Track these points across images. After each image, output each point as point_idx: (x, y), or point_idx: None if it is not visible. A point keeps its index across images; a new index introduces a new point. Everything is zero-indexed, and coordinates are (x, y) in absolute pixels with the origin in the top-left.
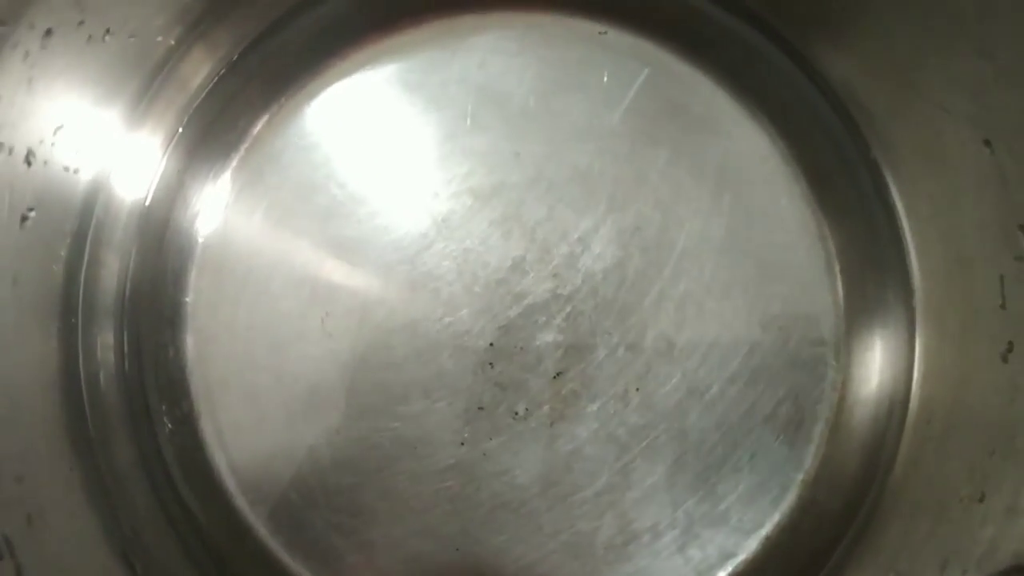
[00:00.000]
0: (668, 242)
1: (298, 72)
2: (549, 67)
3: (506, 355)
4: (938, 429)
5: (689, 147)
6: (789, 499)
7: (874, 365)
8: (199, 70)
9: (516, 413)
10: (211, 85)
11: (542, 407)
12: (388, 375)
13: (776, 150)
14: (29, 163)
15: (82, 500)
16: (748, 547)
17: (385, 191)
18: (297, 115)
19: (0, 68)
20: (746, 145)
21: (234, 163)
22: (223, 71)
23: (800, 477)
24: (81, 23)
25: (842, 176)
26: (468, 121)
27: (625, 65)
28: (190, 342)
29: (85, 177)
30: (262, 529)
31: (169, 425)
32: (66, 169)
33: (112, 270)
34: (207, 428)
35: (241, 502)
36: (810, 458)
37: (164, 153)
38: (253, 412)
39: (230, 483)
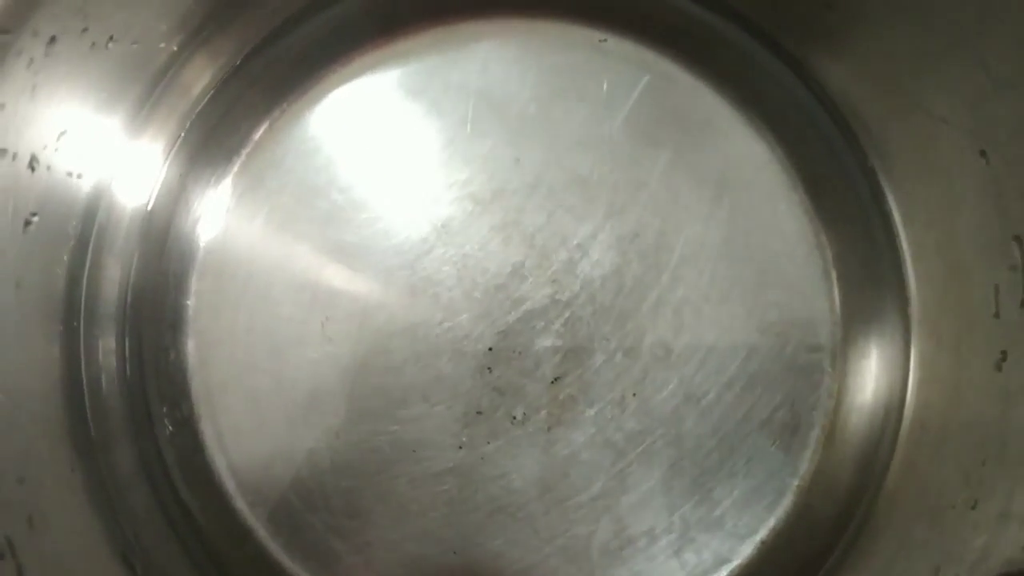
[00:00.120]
0: (666, 248)
1: (300, 78)
2: (549, 74)
3: (505, 360)
4: (932, 436)
5: (688, 154)
6: (785, 504)
7: (870, 372)
8: (201, 76)
9: (514, 417)
10: (213, 91)
11: (540, 412)
12: (387, 379)
13: (774, 158)
14: (32, 168)
15: (83, 501)
16: (743, 552)
17: (386, 196)
18: (298, 120)
19: (4, 75)
20: (744, 153)
21: (235, 168)
22: (225, 77)
23: (796, 483)
24: (85, 30)
25: (839, 184)
26: (468, 127)
27: (625, 72)
28: (191, 345)
29: (88, 182)
30: (261, 531)
31: (170, 428)
32: (69, 174)
33: (114, 274)
34: (207, 431)
35: (241, 504)
36: (806, 464)
37: (166, 158)
38: (253, 415)
39: (230, 485)
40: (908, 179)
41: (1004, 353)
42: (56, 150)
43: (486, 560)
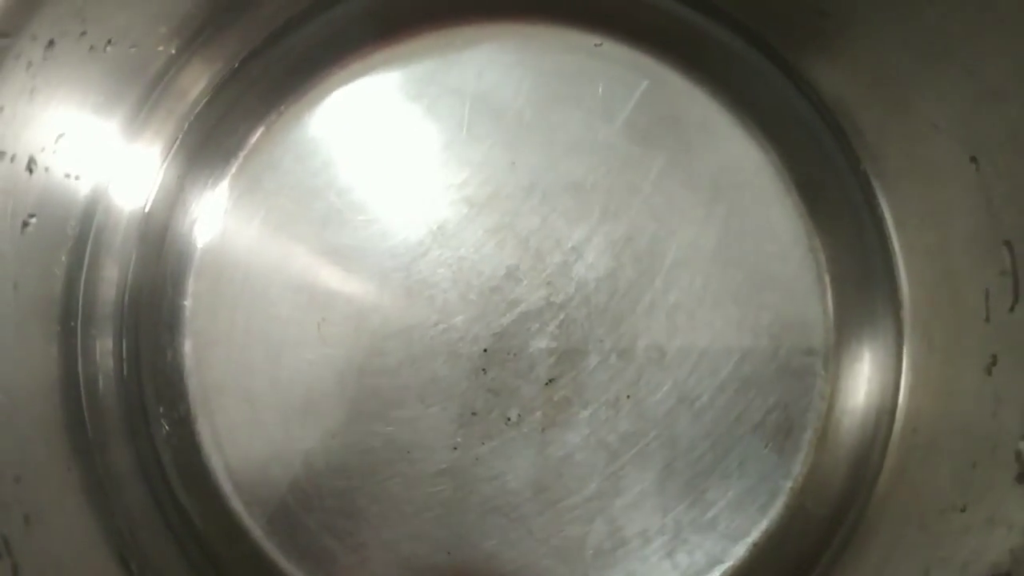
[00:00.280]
0: (660, 252)
1: (297, 81)
2: (545, 78)
3: (499, 361)
4: (923, 439)
5: (682, 158)
6: (777, 506)
7: (862, 375)
8: (199, 79)
9: (509, 419)
10: (211, 93)
11: (534, 413)
12: (383, 380)
13: (768, 162)
14: (31, 170)
15: (80, 501)
16: (736, 553)
17: (382, 199)
18: (296, 123)
19: (3, 78)
20: (739, 157)
21: (233, 170)
22: (223, 80)
23: (788, 485)
24: (83, 34)
25: (833, 188)
26: (465, 131)
27: (620, 77)
28: (188, 346)
29: (86, 184)
30: (257, 531)
31: (166, 428)
32: (67, 176)
33: (112, 275)
34: (204, 431)
35: (237, 504)
36: (798, 466)
37: (164, 160)
38: (249, 416)
39: (226, 485)
40: (901, 184)
41: (994, 357)
42: (54, 152)
43: (480, 560)
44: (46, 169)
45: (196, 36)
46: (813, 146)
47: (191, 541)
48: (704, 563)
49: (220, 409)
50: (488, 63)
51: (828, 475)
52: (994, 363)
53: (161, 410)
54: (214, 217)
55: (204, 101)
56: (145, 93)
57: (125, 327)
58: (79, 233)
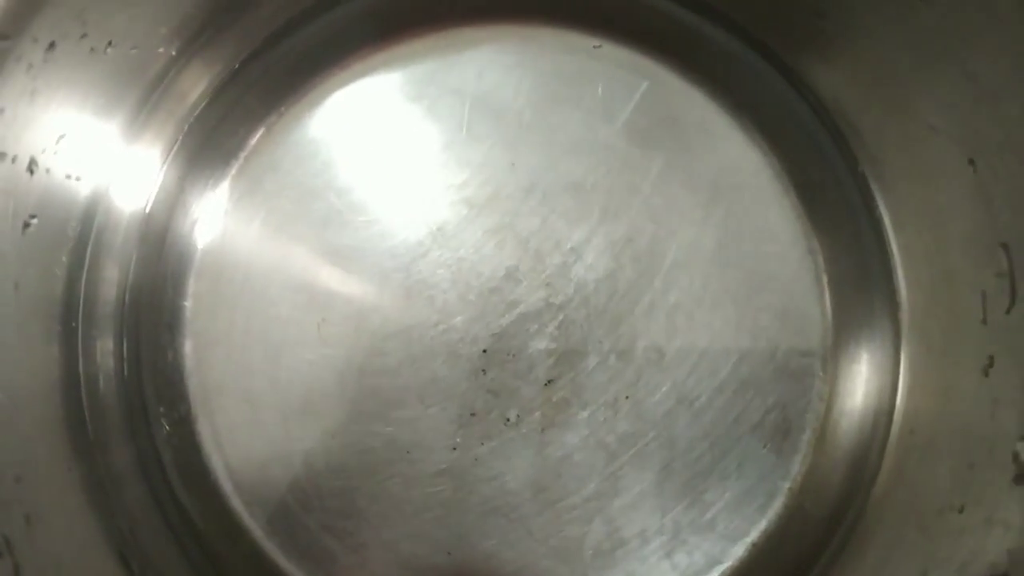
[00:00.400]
0: (659, 253)
1: (297, 82)
2: (545, 80)
3: (499, 362)
4: (921, 440)
5: (681, 160)
6: (776, 507)
7: (860, 377)
8: (199, 80)
9: (508, 419)
10: (211, 95)
11: (533, 414)
12: (383, 380)
13: (767, 164)
14: (31, 171)
15: (80, 501)
16: (735, 554)
17: (382, 200)
18: (296, 124)
19: (4, 80)
20: (737, 158)
21: (233, 171)
22: (223, 81)
23: (787, 485)
24: (84, 36)
25: (831, 190)
26: (465, 131)
27: (619, 78)
28: (188, 346)
29: (87, 184)
30: (257, 531)
31: (167, 427)
32: (68, 177)
33: (112, 276)
34: (204, 431)
35: (237, 504)
36: (797, 467)
37: (165, 161)
38: (249, 416)
39: (226, 485)
40: (898, 186)
41: (991, 358)
42: (55, 153)
43: (479, 560)
44: (47, 170)
45: (196, 37)
46: (811, 148)
47: (191, 541)
48: (703, 563)
49: (220, 409)
50: (488, 64)
51: (826, 476)
52: (991, 364)
53: (161, 410)
54: (214, 218)
55: (204, 102)
56: (145, 94)
57: (126, 327)
58: (80, 234)
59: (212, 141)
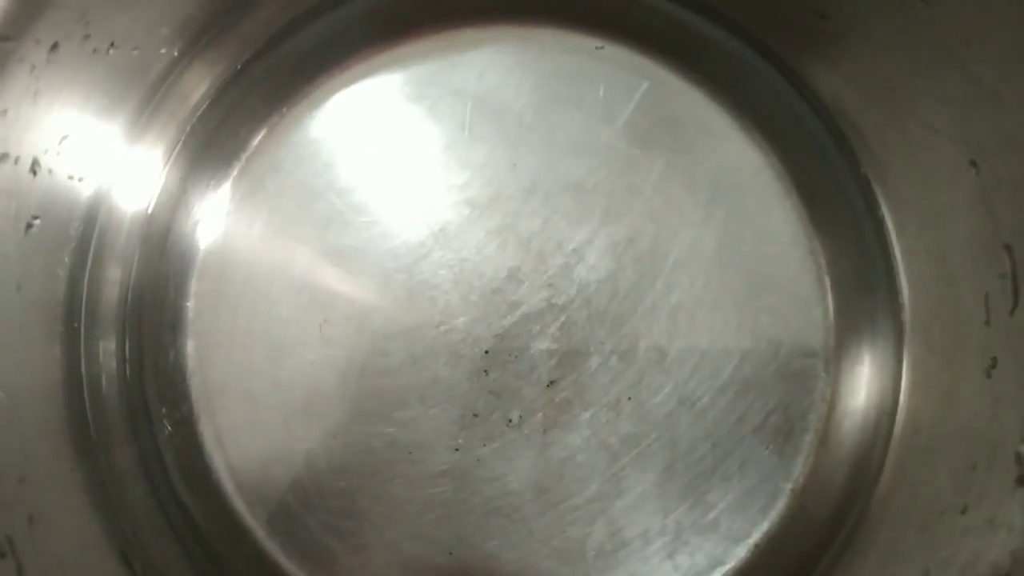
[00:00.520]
0: (661, 254)
1: (298, 83)
2: (546, 80)
3: (501, 363)
4: (923, 441)
5: (682, 161)
6: (778, 508)
7: (862, 377)
8: (201, 81)
9: (510, 420)
10: (213, 96)
11: (536, 414)
12: (385, 381)
13: (768, 165)
14: (34, 172)
15: (83, 501)
16: (737, 555)
17: (384, 200)
18: (297, 125)
19: (6, 81)
20: (739, 160)
21: (235, 172)
22: (225, 82)
23: (789, 486)
24: (87, 37)
25: (833, 191)
26: (466, 132)
27: (621, 79)
28: (190, 347)
29: (89, 185)
30: (259, 531)
31: (168, 428)
32: (70, 178)
33: (114, 276)
34: (206, 431)
35: (239, 504)
36: (799, 467)
37: (167, 161)
38: (251, 416)
39: (228, 485)
40: (901, 187)
41: (994, 360)
42: (58, 154)
43: (481, 561)
44: (49, 171)
45: (198, 38)
46: (813, 149)
47: (193, 541)
48: (705, 564)
49: (222, 409)
50: (489, 65)
51: (829, 476)
52: (994, 366)
53: (163, 410)
54: (216, 218)
55: (206, 103)
56: (148, 95)
57: (128, 328)
58: (82, 234)
59: (214, 142)
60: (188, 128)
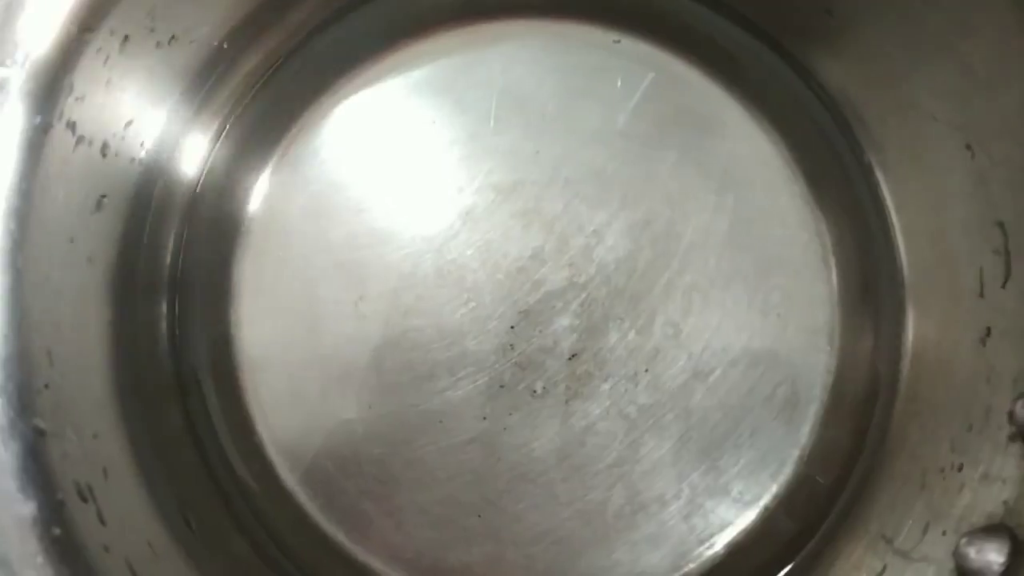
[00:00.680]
0: (676, 236)
1: (335, 74)
2: (567, 73)
3: (526, 338)
4: (923, 407)
5: (696, 149)
6: (786, 473)
7: (865, 350)
8: (248, 71)
9: (534, 391)
10: (258, 85)
11: (558, 386)
12: (416, 355)
13: (777, 152)
14: (104, 155)
15: (144, 460)
16: (748, 517)
17: (414, 186)
18: (333, 114)
19: (85, 69)
20: (749, 147)
21: (276, 157)
22: (269, 72)
23: (797, 453)
24: (152, 30)
25: (837, 177)
26: (492, 122)
27: (637, 72)
28: (234, 321)
29: (148, 167)
30: (300, 494)
31: (215, 397)
32: (132, 160)
33: (167, 253)
34: (250, 401)
35: (281, 469)
36: (806, 436)
37: (215, 146)
38: (292, 387)
39: (271, 451)
40: (901, 171)
41: (988, 329)
42: (123, 138)
43: (508, 523)
44: (116, 153)
45: (246, 33)
46: (819, 137)
47: (242, 503)
48: (718, 526)
49: (264, 381)
50: (513, 59)
51: (834, 443)
52: (988, 335)
53: (210, 381)
54: (258, 200)
55: (252, 92)
56: (200, 84)
57: (178, 302)
58: (141, 212)
59: (258, 128)
60: (235, 115)
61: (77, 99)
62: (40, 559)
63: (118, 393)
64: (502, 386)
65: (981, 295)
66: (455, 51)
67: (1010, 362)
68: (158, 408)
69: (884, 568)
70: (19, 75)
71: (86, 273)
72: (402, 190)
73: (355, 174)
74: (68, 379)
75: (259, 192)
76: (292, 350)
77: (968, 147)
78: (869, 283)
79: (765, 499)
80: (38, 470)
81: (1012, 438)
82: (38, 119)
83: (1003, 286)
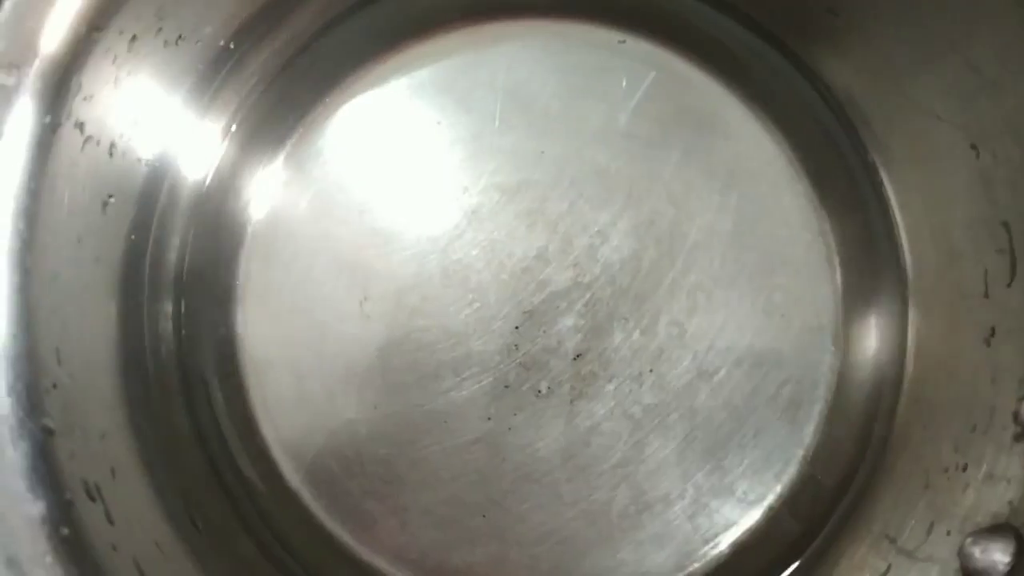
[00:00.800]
0: (680, 235)
1: (339, 74)
2: (571, 73)
3: (530, 338)
4: (927, 407)
5: (700, 148)
6: (790, 473)
7: (869, 350)
8: (254, 71)
9: (539, 391)
10: (264, 86)
11: (563, 386)
12: (421, 355)
13: (781, 152)
14: (111, 154)
15: (150, 460)
16: (752, 517)
17: (419, 186)
18: (338, 114)
19: (94, 69)
20: (753, 147)
21: (281, 157)
22: (274, 73)
23: (801, 453)
24: (160, 30)
25: (841, 176)
26: (496, 122)
27: (641, 71)
28: (239, 321)
29: (153, 166)
30: (305, 494)
31: (221, 398)
32: (138, 160)
33: (173, 254)
34: (255, 401)
35: (286, 469)
36: (810, 435)
37: (221, 146)
38: (297, 387)
39: (276, 452)
40: (905, 171)
41: (993, 329)
42: (130, 138)
43: (512, 523)
44: (123, 153)
45: (252, 32)
46: (823, 136)
47: (247, 503)
48: (722, 525)
49: (269, 381)
50: (517, 58)
51: (838, 443)
52: (992, 335)
53: (216, 381)
54: (263, 201)
55: (257, 93)
56: (206, 84)
57: (184, 301)
58: (147, 213)
59: (263, 129)
60: (240, 115)
61: (85, 99)
62: (49, 558)
63: (125, 393)
64: (507, 386)
65: (986, 295)
66: (459, 51)
67: (1015, 362)
68: (164, 408)
69: (888, 568)
70: (29, 75)
71: (93, 273)
72: (407, 190)
73: (360, 174)
74: (76, 379)
75: (264, 192)
76: (297, 350)
77: (973, 147)
78: (873, 283)
79: (769, 499)
80: (47, 470)
81: (1017, 438)
82: (47, 119)
83: (1008, 286)
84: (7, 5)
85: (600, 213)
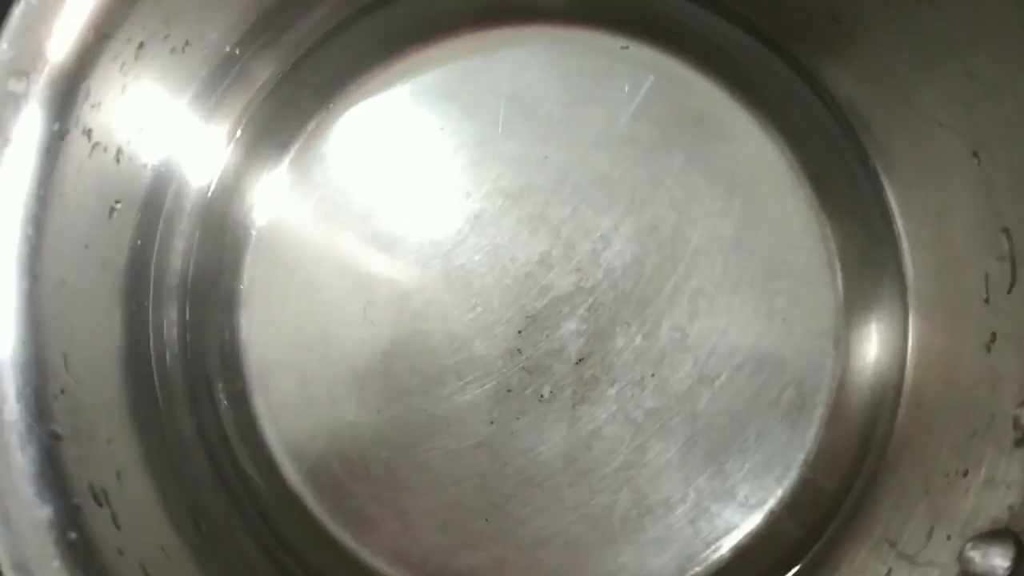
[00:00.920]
0: (682, 240)
1: (343, 80)
2: (574, 79)
3: (533, 342)
4: (927, 413)
5: (702, 154)
6: (791, 477)
7: (870, 355)
8: (260, 77)
9: (541, 395)
10: (268, 91)
11: (565, 390)
12: (424, 359)
13: (782, 157)
14: (118, 160)
15: (155, 464)
16: (753, 521)
17: (422, 191)
18: (342, 120)
19: (102, 76)
20: (755, 153)
21: (285, 163)
22: (279, 79)
23: (802, 457)
24: (167, 36)
25: (843, 182)
26: (499, 127)
27: (644, 77)
28: (244, 326)
29: (158, 172)
30: (308, 497)
31: (225, 402)
32: (144, 166)
33: (177, 258)
34: (259, 405)
35: (289, 472)
36: (811, 440)
37: (225, 151)
38: (301, 391)
39: (279, 455)
40: (907, 177)
41: (993, 335)
42: (137, 144)
43: (514, 527)
44: (129, 159)
45: (257, 38)
46: (825, 143)
47: (250, 505)
48: (724, 529)
49: (273, 385)
50: (521, 64)
51: (839, 447)
52: (993, 341)
53: (220, 385)
54: (267, 206)
55: (261, 98)
56: (211, 90)
57: (188, 306)
58: (152, 218)
59: (267, 134)
60: (245, 121)
61: (93, 106)
62: (57, 563)
63: (130, 397)
64: (509, 390)
65: (987, 301)
66: (462, 58)
67: (1015, 368)
68: (169, 411)
69: (888, 572)
70: (38, 82)
71: (100, 278)
72: (410, 195)
73: (364, 180)
74: (83, 383)
75: (268, 197)
76: (301, 354)
77: (974, 153)
78: (874, 288)
79: (770, 503)
80: (55, 475)
81: (1017, 443)
82: (56, 125)
83: (1009, 292)
84: (16, 13)
85: (603, 218)
